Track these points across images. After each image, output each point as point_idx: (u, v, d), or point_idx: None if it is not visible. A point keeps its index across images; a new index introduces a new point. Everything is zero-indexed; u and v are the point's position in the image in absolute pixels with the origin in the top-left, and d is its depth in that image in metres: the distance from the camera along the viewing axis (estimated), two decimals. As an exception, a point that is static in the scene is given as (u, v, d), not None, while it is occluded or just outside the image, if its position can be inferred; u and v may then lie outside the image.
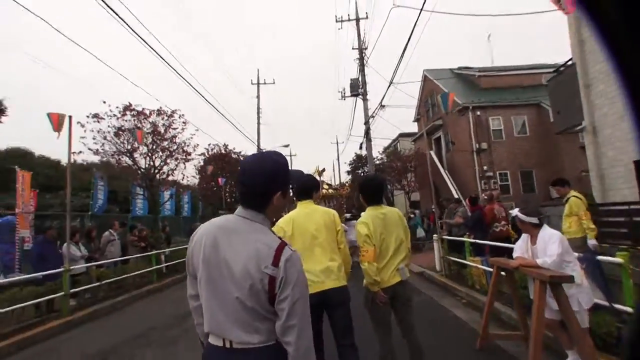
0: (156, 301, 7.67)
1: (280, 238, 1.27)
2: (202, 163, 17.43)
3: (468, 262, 6.56)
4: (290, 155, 41.93)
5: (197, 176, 17.05)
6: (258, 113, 22.44)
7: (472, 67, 20.65)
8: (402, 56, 11.28)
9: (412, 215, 13.90)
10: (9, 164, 19.69)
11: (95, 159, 10.73)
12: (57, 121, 6.24)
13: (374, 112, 16.75)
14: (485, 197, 7.73)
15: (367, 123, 17.47)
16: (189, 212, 16.15)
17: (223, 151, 17.71)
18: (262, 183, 1.27)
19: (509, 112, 17.20)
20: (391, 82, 12.95)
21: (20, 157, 21.68)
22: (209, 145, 19.31)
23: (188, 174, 13.89)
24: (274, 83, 23.42)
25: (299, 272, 1.22)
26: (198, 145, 11.45)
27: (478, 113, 17.01)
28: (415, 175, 19.70)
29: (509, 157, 17.09)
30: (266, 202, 1.29)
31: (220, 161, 16.79)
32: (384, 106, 15.43)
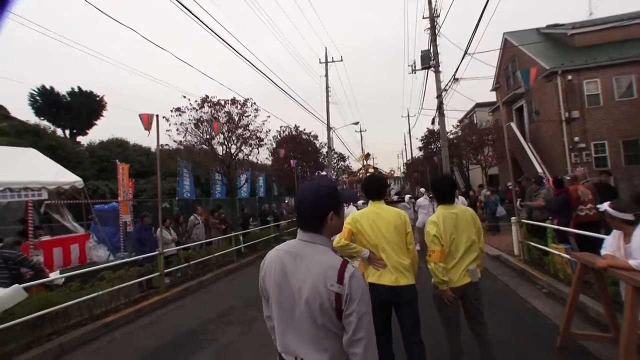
0: (236, 280, 8.43)
1: (342, 257, 1.37)
2: (274, 145, 18.18)
3: (550, 250, 6.05)
4: (361, 132, 41.64)
5: (270, 158, 17.88)
6: (327, 92, 22.51)
7: (563, 25, 17.96)
8: (478, 23, 10.28)
9: (489, 193, 12.95)
10: (110, 153, 22.79)
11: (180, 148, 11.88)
12: (147, 121, 7.04)
13: (446, 85, 15.71)
14: (569, 177, 6.94)
15: (439, 97, 16.51)
16: (264, 193, 17.13)
17: (294, 132, 18.28)
18: (314, 207, 1.41)
19: (610, 72, 14.75)
20: (466, 52, 11.94)
21: (119, 146, 24.73)
22: (281, 127, 20.11)
23: (261, 157, 14.74)
24: (341, 60, 23.18)
25: (363, 288, 1.31)
26: (270, 130, 11.98)
27: (569, 77, 14.92)
28: (494, 149, 18.25)
29: (608, 125, 14.83)
30: (322, 223, 1.41)
31: (291, 143, 17.39)
32: (457, 79, 14.34)
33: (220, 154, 11.45)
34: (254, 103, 11.14)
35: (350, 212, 8.63)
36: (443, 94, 16.63)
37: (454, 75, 14.31)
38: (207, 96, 10.69)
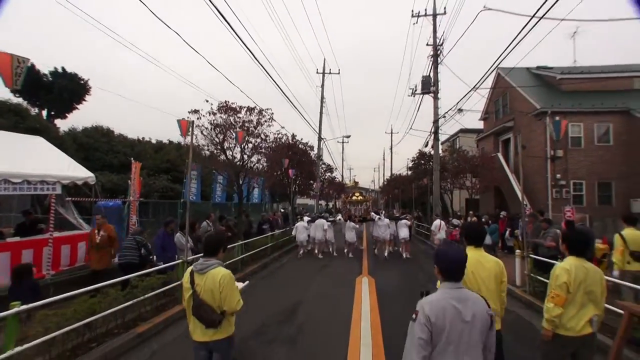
0: (249, 290, 8.39)
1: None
2: (270, 152, 18.10)
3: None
4: (343, 144, 42.30)
5: (266, 165, 17.80)
6: (322, 102, 22.82)
7: (552, 68, 19.44)
8: (493, 65, 10.98)
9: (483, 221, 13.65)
10: (94, 141, 21.75)
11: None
12: (185, 127, 6.99)
13: (445, 112, 16.49)
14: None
15: (436, 122, 17.28)
16: (259, 199, 17.03)
17: (290, 141, 18.31)
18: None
19: (592, 118, 16.17)
20: (474, 88, 12.66)
21: (103, 135, 23.59)
22: (277, 133, 20.05)
23: (260, 164, 14.72)
24: (338, 73, 23.62)
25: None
26: (282, 137, 12.03)
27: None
28: (479, 177, 19.25)
29: (587, 167, 16.19)
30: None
31: (288, 151, 17.42)
32: (461, 110, 15.12)
33: (229, 158, 11.39)
34: (272, 113, 11.20)
35: (321, 224, 11.95)
36: (440, 120, 17.42)
37: (457, 105, 15.07)
38: (226, 102, 10.64)
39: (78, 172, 8.36)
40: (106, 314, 4.96)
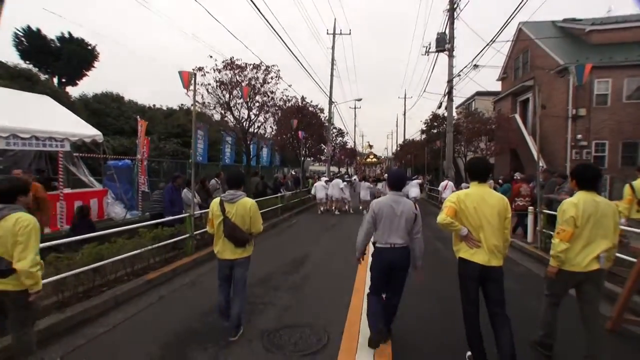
0: (258, 245, 8.46)
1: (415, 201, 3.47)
2: (279, 115, 17.88)
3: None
4: (355, 109, 41.46)
5: (275, 127, 17.59)
6: (332, 65, 22.10)
7: (581, 20, 18.06)
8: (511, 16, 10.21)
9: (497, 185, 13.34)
10: (105, 107, 21.83)
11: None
12: (187, 79, 6.78)
13: (460, 70, 15.71)
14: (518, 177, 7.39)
15: (450, 81, 16.57)
16: (268, 162, 16.99)
17: (300, 104, 17.94)
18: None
19: (623, 73, 15.03)
20: (492, 41, 11.91)
21: (113, 100, 23.63)
22: (287, 96, 19.67)
23: (268, 126, 14.53)
24: (349, 34, 22.65)
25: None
26: (288, 97, 11.76)
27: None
28: (495, 140, 18.62)
29: (611, 126, 15.36)
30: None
31: (297, 114, 17.10)
32: (477, 66, 14.35)
33: (236, 118, 11.21)
34: (279, 70, 10.85)
35: (338, 183, 13.14)
36: (454, 79, 16.68)
37: (473, 61, 14.30)
38: (232, 58, 10.32)
39: (86, 129, 8.37)
40: (114, 259, 5.06)
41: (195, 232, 7.38)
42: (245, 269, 3.72)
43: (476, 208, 2.94)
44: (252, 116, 11.12)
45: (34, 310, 2.86)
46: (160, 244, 6.12)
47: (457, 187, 14.41)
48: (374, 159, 23.91)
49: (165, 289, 5.33)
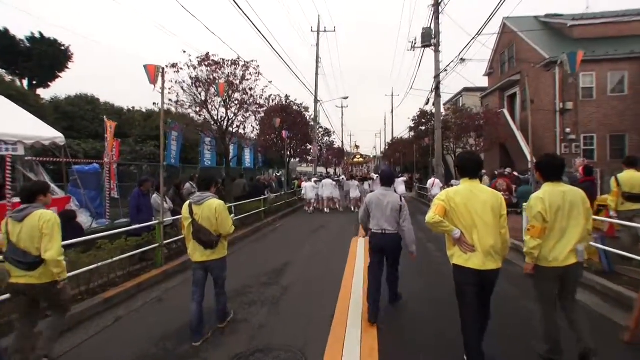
0: (236, 253, 7.82)
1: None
2: (262, 114, 17.24)
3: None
4: (342, 108, 41.04)
5: (258, 128, 16.97)
6: (317, 62, 21.58)
7: (562, 15, 18.01)
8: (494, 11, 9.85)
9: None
10: (79, 110, 20.82)
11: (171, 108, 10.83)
12: (153, 73, 6.14)
13: (447, 65, 15.37)
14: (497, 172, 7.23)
15: (437, 77, 16.21)
16: (252, 164, 16.37)
17: (284, 102, 17.33)
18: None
19: (606, 66, 15.04)
20: (477, 34, 11.55)
21: (88, 103, 22.57)
22: (270, 95, 19.02)
23: (250, 126, 13.86)
24: (334, 31, 22.18)
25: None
26: (271, 96, 11.13)
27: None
28: (484, 136, 18.37)
29: (598, 119, 15.26)
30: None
31: (281, 113, 16.50)
32: (463, 60, 14.00)
33: (214, 118, 10.54)
34: (258, 66, 10.24)
35: (328, 183, 13.93)
36: (441, 74, 16.34)
37: (459, 55, 13.95)
38: (207, 54, 9.67)
39: (43, 131, 7.62)
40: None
41: (166, 241, 6.71)
42: (220, 270, 3.72)
43: (467, 205, 2.76)
44: (231, 115, 10.45)
45: (65, 300, 3.10)
46: (123, 256, 5.47)
47: (447, 184, 14.16)
48: (361, 159, 24.54)
49: (125, 308, 4.70)
